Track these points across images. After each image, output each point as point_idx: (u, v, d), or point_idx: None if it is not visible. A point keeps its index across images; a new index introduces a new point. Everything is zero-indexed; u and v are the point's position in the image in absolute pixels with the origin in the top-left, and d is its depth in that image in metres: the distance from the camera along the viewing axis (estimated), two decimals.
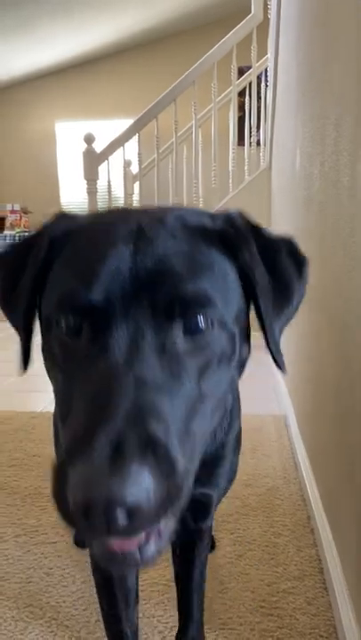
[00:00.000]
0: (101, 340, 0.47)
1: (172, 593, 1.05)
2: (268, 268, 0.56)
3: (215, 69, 3.66)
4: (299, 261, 0.61)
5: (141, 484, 0.38)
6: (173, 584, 1.00)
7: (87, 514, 0.38)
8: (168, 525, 0.45)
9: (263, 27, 3.68)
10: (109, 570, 0.50)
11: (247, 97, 3.88)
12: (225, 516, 1.50)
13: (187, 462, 0.43)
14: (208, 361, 0.49)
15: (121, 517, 0.38)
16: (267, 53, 3.70)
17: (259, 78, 3.86)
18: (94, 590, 0.92)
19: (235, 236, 0.55)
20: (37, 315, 0.58)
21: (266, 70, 3.79)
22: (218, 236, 0.54)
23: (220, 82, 3.75)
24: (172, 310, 0.48)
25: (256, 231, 0.59)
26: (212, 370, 0.50)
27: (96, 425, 0.40)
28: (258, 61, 3.78)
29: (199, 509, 0.76)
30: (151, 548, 0.45)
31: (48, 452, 1.96)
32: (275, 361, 0.58)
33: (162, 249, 0.49)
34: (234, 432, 0.78)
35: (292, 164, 2.19)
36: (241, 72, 3.88)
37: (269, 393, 2.63)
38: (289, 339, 2.23)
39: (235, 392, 0.77)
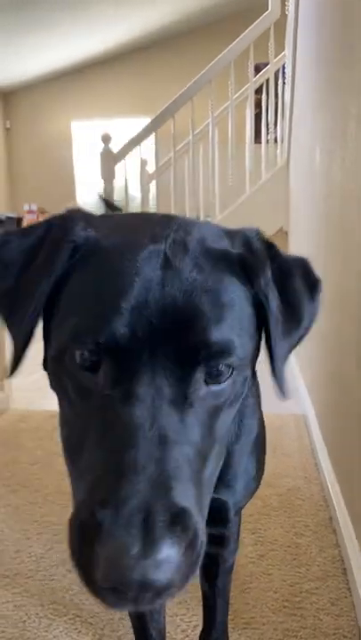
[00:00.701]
0: (125, 385, 0.44)
1: (195, 592, 1.05)
2: (280, 292, 0.54)
3: (232, 67, 3.64)
4: (312, 284, 0.59)
5: (172, 563, 0.38)
6: (197, 583, 1.00)
7: (116, 589, 0.38)
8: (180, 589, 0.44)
9: (280, 23, 3.65)
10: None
11: (264, 94, 3.86)
12: (246, 516, 1.50)
13: (202, 519, 0.43)
14: (222, 404, 0.49)
15: (150, 594, 0.38)
16: (284, 50, 3.67)
17: (276, 75, 3.83)
18: None
19: (253, 262, 0.52)
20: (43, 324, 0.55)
21: (283, 67, 3.76)
22: (237, 262, 0.52)
23: (237, 79, 3.74)
24: (197, 357, 0.45)
25: (272, 253, 0.56)
26: (224, 412, 0.49)
27: (121, 488, 0.39)
28: (275, 58, 3.75)
29: (214, 517, 0.71)
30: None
31: None
32: (280, 388, 0.56)
33: (189, 284, 0.46)
34: (249, 434, 0.74)
35: (311, 160, 2.18)
36: (257, 69, 3.85)
37: (289, 388, 2.61)
38: (309, 337, 2.22)
39: (250, 392, 0.73)
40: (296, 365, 2.81)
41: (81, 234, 0.51)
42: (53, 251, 0.50)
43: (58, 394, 0.52)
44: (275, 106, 3.84)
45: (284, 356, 0.55)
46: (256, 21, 3.63)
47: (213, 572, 0.91)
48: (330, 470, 1.60)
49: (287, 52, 3.43)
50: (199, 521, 0.42)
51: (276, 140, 3.89)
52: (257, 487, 0.79)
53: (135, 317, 0.44)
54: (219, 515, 0.73)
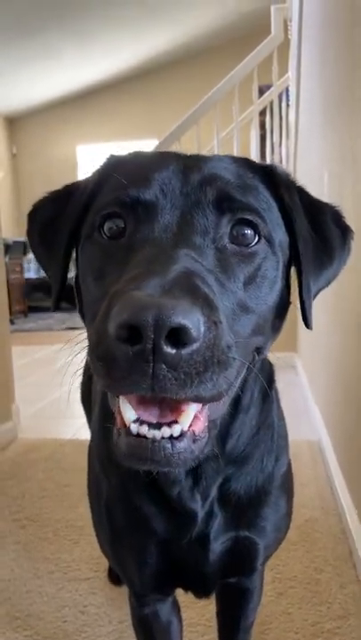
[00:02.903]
0: (147, 231, 0.45)
1: (212, 634, 1.00)
2: (312, 224, 0.54)
3: (236, 90, 3.67)
4: (343, 228, 0.59)
5: (190, 314, 0.35)
6: (214, 623, 0.95)
7: (132, 335, 0.34)
8: (204, 424, 0.40)
9: (282, 46, 3.69)
10: (134, 465, 0.39)
11: (268, 116, 3.88)
12: None
13: (231, 337, 0.40)
14: (254, 272, 0.48)
15: (167, 347, 0.34)
16: (287, 72, 3.71)
17: (279, 97, 3.86)
18: (131, 631, 0.87)
19: (278, 176, 0.54)
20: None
21: (287, 89, 3.79)
22: (262, 170, 0.53)
23: (241, 102, 3.77)
24: (222, 208, 0.46)
25: (300, 188, 0.58)
26: (256, 282, 0.48)
27: (149, 276, 0.38)
28: (278, 80, 3.79)
29: (243, 557, 0.67)
30: (182, 444, 0.38)
31: (78, 481, 1.93)
32: (304, 318, 0.55)
33: (211, 165, 0.49)
34: (282, 467, 0.72)
35: (320, 182, 2.17)
36: (261, 91, 3.89)
37: (300, 414, 2.57)
38: (323, 362, 2.18)
39: (281, 419, 0.73)
40: (309, 390, 2.77)
41: (113, 158, 0.57)
42: (90, 177, 0.57)
43: (82, 271, 0.52)
44: (279, 127, 3.86)
45: (315, 287, 0.54)
46: (260, 45, 3.67)
47: (234, 630, 0.86)
48: (347, 499, 1.55)
49: (291, 74, 3.46)
50: (225, 325, 0.39)
51: (281, 161, 3.90)
52: (287, 528, 0.76)
53: (159, 181, 0.47)
54: (248, 555, 0.68)
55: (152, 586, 0.68)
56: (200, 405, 0.40)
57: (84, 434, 2.47)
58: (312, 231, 0.54)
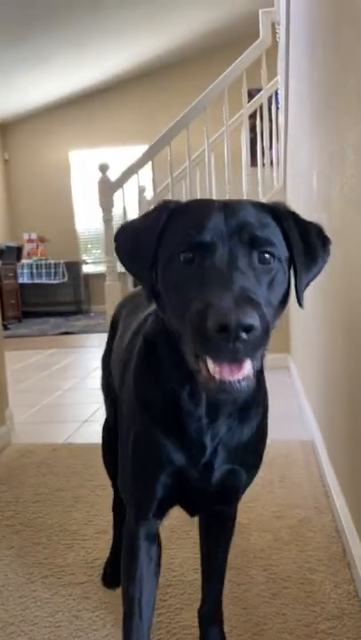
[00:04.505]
0: (211, 260, 0.71)
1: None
2: (302, 239, 0.81)
3: (226, 94, 3.69)
4: (324, 239, 0.85)
5: (254, 317, 0.62)
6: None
7: (223, 330, 0.61)
8: (252, 372, 0.68)
9: (271, 49, 3.72)
10: (219, 395, 0.69)
11: (258, 119, 3.90)
12: (257, 552, 1.46)
13: (267, 313, 0.67)
14: (272, 280, 0.74)
15: (243, 335, 0.61)
16: (276, 75, 3.73)
17: (269, 100, 3.88)
18: None
19: (280, 212, 0.80)
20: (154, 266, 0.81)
21: (276, 92, 3.82)
22: (270, 210, 0.80)
23: (231, 105, 3.79)
24: (252, 245, 0.73)
25: (294, 214, 0.84)
26: (274, 287, 0.74)
27: (222, 293, 0.64)
28: (267, 83, 3.81)
29: (232, 484, 0.92)
30: (245, 383, 0.67)
31: (72, 485, 1.93)
32: (298, 302, 0.82)
33: (242, 213, 0.75)
34: (265, 419, 0.94)
35: (309, 184, 2.18)
36: (250, 94, 3.91)
37: (293, 415, 2.58)
38: (315, 363, 2.19)
39: (263, 384, 0.95)
40: (302, 391, 2.77)
41: (172, 205, 0.82)
42: (158, 216, 0.81)
43: (164, 287, 0.77)
44: (269, 130, 3.88)
45: (305, 281, 0.82)
46: (248, 49, 3.69)
47: (213, 553, 1.08)
48: (340, 498, 1.56)
49: (280, 77, 3.48)
50: (268, 316, 0.67)
51: (271, 163, 3.92)
52: (260, 465, 0.98)
53: (212, 229, 0.73)
54: (235, 487, 0.93)
55: (155, 507, 0.91)
56: (250, 362, 0.67)
57: (78, 438, 2.48)
58: (302, 244, 0.81)
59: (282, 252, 0.77)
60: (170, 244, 0.77)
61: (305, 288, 0.83)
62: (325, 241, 0.86)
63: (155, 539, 0.97)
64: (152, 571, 0.95)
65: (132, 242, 0.84)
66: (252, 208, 0.77)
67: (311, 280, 0.84)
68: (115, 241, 0.87)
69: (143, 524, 0.94)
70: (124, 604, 0.95)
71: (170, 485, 0.89)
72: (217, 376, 0.66)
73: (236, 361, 0.66)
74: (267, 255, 0.73)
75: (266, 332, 0.65)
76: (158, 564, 0.98)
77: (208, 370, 0.67)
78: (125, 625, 0.94)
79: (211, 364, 0.67)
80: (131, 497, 0.95)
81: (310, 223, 0.85)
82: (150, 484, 0.89)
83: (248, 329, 0.61)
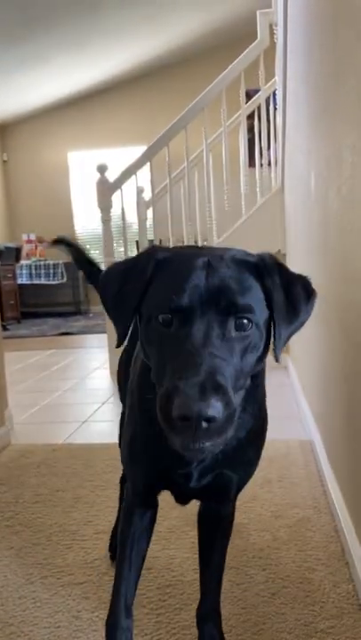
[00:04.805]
0: (187, 329, 0.72)
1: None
2: (286, 294, 0.81)
3: (224, 95, 3.70)
4: (308, 292, 0.85)
5: (216, 407, 0.65)
6: None
7: (185, 421, 0.64)
8: (221, 441, 0.70)
9: (269, 50, 3.72)
10: (183, 452, 0.72)
11: (256, 119, 3.91)
12: (256, 551, 1.46)
13: (235, 402, 0.70)
14: (247, 346, 0.75)
15: (204, 424, 0.64)
16: (274, 76, 3.73)
17: (267, 101, 3.89)
18: None
19: (263, 268, 0.80)
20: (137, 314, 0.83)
21: (274, 93, 3.82)
22: (254, 266, 0.80)
23: (229, 106, 3.79)
24: (229, 312, 0.73)
25: (280, 267, 0.83)
26: (248, 352, 0.75)
27: (189, 377, 0.66)
28: (265, 84, 3.81)
29: (221, 488, 0.96)
30: (208, 445, 0.68)
31: (72, 486, 1.93)
32: (275, 355, 0.81)
33: (222, 275, 0.75)
34: (260, 423, 0.96)
35: (307, 185, 2.18)
36: (248, 95, 3.91)
37: (292, 414, 2.59)
38: (312, 363, 2.19)
39: (262, 387, 0.97)
40: (301, 390, 2.78)
41: (160, 255, 0.82)
42: (145, 266, 0.81)
43: (147, 350, 0.80)
44: (267, 130, 3.88)
45: (285, 336, 0.81)
46: (246, 50, 3.70)
47: (211, 551, 1.09)
48: (339, 498, 1.56)
49: (277, 78, 3.49)
50: (233, 399, 0.69)
51: (269, 164, 3.93)
52: (257, 466, 1.00)
53: (192, 293, 0.73)
54: (225, 490, 0.97)
55: (147, 490, 1.01)
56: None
57: (78, 439, 2.48)
58: (285, 298, 0.80)
59: (260, 315, 0.77)
60: (152, 302, 0.78)
61: (285, 342, 0.82)
62: (310, 295, 0.85)
63: (150, 506, 1.05)
64: (145, 530, 1.04)
65: (116, 288, 0.84)
66: (235, 268, 0.77)
67: (292, 334, 0.83)
68: (100, 283, 0.88)
69: (139, 495, 1.03)
70: (118, 556, 1.04)
71: (159, 477, 0.96)
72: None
73: (198, 445, 0.67)
74: (245, 321, 0.74)
75: (229, 418, 0.67)
76: (151, 526, 1.06)
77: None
78: (117, 574, 1.03)
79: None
80: (128, 474, 1.06)
81: (297, 276, 0.85)
82: (142, 474, 0.99)
83: (209, 420, 0.64)
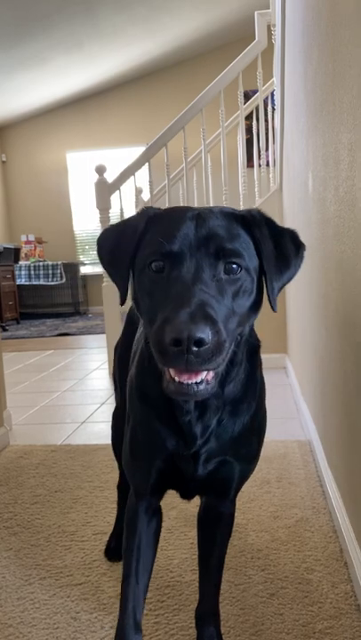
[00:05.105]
0: (177, 272, 0.75)
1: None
2: (275, 244, 0.84)
3: (222, 96, 3.70)
4: (297, 244, 0.88)
5: (205, 331, 0.67)
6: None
7: (176, 344, 0.67)
8: (212, 376, 0.74)
9: (267, 51, 3.73)
10: (178, 397, 0.78)
11: (254, 120, 3.91)
12: (255, 552, 1.46)
13: (226, 334, 0.72)
14: (238, 289, 0.77)
15: (195, 347, 0.67)
16: (272, 77, 3.74)
17: (265, 102, 3.89)
18: None
19: (251, 220, 0.83)
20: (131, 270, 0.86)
21: (272, 93, 3.83)
22: (241, 218, 0.83)
23: (227, 107, 3.79)
24: (218, 256, 0.76)
25: (268, 220, 0.86)
26: (239, 296, 0.78)
27: (181, 308, 0.69)
28: (264, 85, 3.82)
29: (224, 476, 0.96)
30: (202, 386, 0.73)
31: (70, 487, 1.93)
32: (271, 306, 0.85)
33: (212, 224, 0.78)
34: (260, 411, 0.98)
35: (305, 185, 2.19)
36: (246, 96, 3.92)
37: (291, 415, 2.59)
38: (312, 364, 2.19)
39: (261, 373, 0.99)
40: (299, 391, 2.78)
41: (151, 212, 0.87)
42: (138, 222, 0.85)
43: (140, 300, 0.82)
44: (265, 131, 3.89)
45: (277, 286, 0.84)
46: (244, 51, 3.71)
47: (210, 550, 1.08)
48: (338, 498, 1.56)
49: (275, 79, 3.49)
50: (222, 329, 0.71)
51: (268, 164, 3.93)
52: (257, 462, 1.02)
53: (182, 239, 0.77)
54: (227, 478, 0.97)
55: (151, 488, 0.99)
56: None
57: (76, 440, 2.48)
58: (275, 250, 0.84)
59: (250, 261, 0.79)
60: (144, 251, 0.81)
61: (278, 292, 0.85)
62: (299, 246, 0.88)
63: (154, 513, 1.03)
64: (150, 541, 1.02)
65: (112, 245, 0.88)
66: (223, 218, 0.81)
67: (284, 285, 0.86)
68: (97, 243, 0.92)
69: (143, 500, 1.01)
70: (124, 570, 1.01)
71: (163, 470, 0.95)
72: (176, 378, 0.73)
73: (191, 371, 0.71)
74: (233, 266, 0.77)
75: (218, 345, 0.70)
76: (157, 536, 1.05)
77: (170, 373, 0.74)
78: (123, 589, 1.00)
79: (172, 369, 0.73)
80: (130, 477, 1.03)
81: (285, 229, 0.88)
82: (146, 468, 0.97)
83: (199, 343, 0.67)
